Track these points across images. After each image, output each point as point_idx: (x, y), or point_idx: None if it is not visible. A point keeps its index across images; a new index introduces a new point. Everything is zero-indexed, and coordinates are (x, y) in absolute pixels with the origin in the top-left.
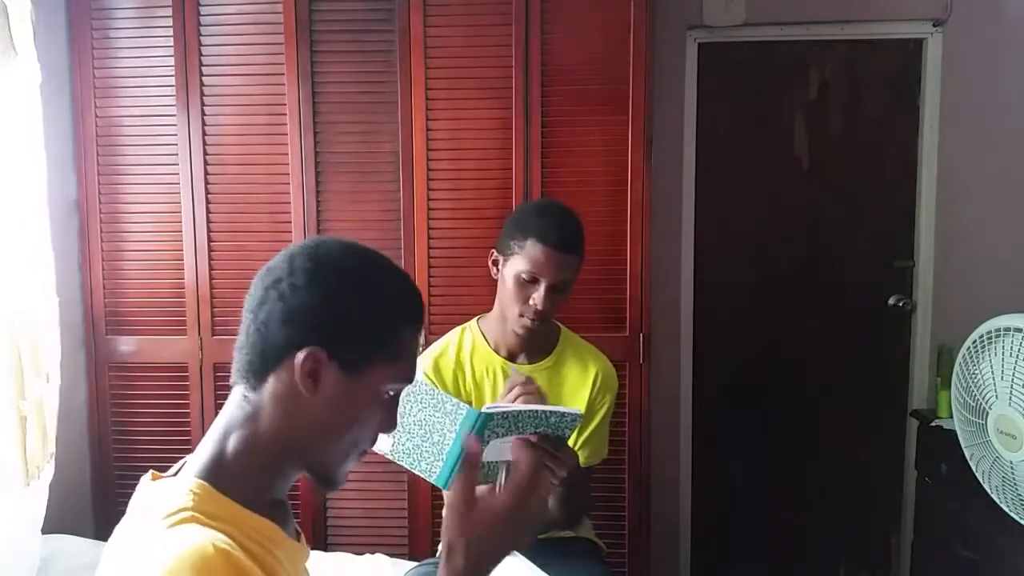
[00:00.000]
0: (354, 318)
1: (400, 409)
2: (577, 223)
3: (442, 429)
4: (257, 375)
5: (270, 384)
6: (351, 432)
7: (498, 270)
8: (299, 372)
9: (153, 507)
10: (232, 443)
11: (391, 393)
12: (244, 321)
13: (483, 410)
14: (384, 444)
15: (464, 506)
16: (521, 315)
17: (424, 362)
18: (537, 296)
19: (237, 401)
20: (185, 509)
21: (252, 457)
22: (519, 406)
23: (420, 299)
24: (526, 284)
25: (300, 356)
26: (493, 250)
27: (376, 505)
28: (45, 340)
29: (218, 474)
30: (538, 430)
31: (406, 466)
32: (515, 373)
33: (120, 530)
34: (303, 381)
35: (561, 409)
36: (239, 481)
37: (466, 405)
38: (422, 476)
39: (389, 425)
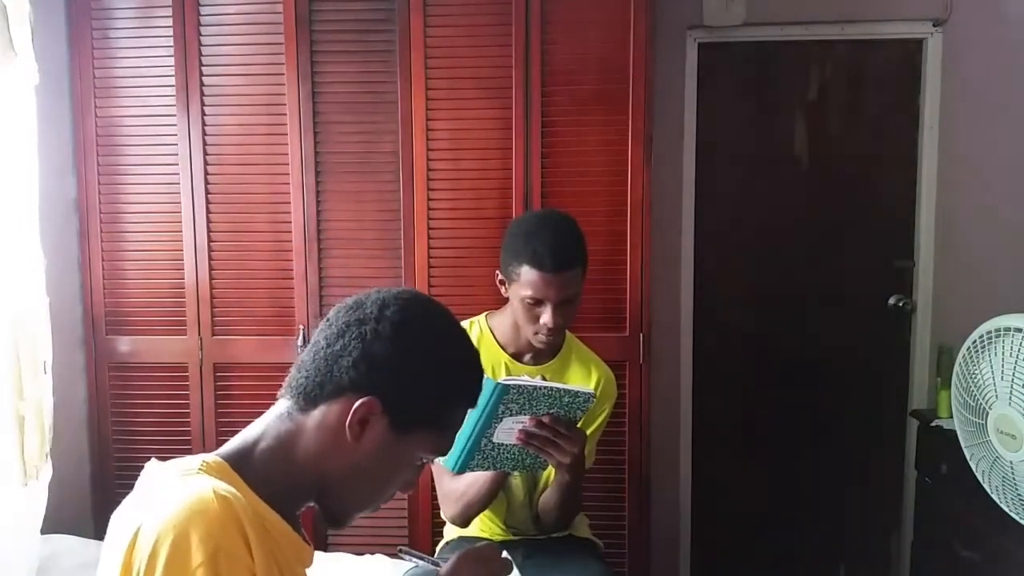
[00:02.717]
0: (421, 383)
1: None
2: (572, 235)
3: None
4: (309, 399)
5: (319, 412)
6: (377, 486)
7: (506, 290)
8: (352, 416)
9: (167, 470)
10: (263, 445)
11: (423, 460)
12: (314, 343)
13: (501, 381)
14: None
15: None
16: (536, 333)
17: None
18: (546, 316)
19: (280, 414)
20: (193, 469)
21: (278, 465)
22: (536, 382)
23: (481, 383)
24: (532, 306)
25: (359, 401)
26: (498, 271)
27: None
28: (43, 340)
29: (239, 459)
30: (551, 410)
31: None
32: None
33: (127, 501)
34: (352, 426)
35: (575, 388)
36: (258, 473)
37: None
38: None
39: (410, 486)
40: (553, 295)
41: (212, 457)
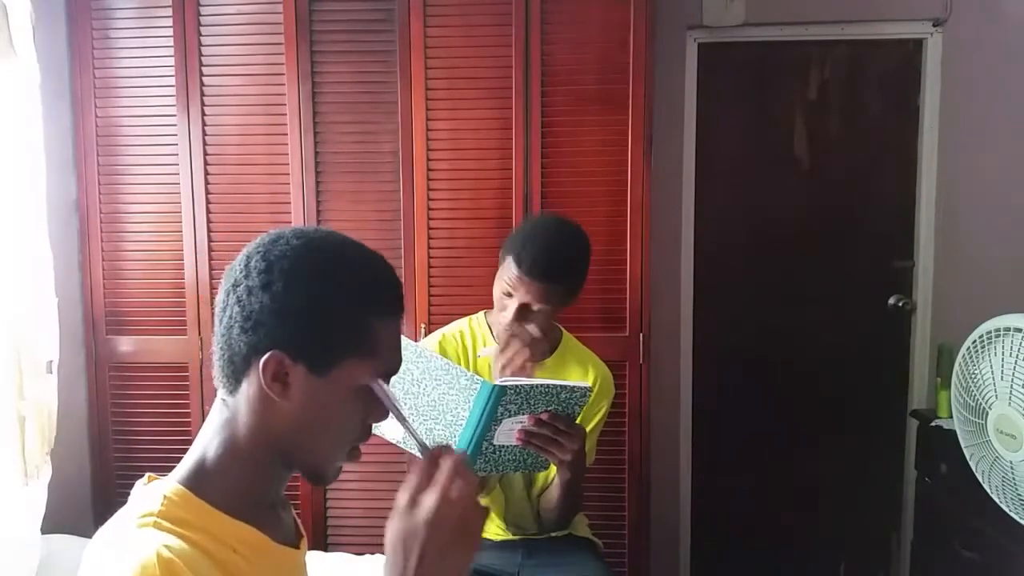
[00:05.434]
0: (313, 319)
1: (413, 389)
2: (564, 253)
3: (455, 408)
4: (230, 380)
5: (244, 388)
6: (331, 431)
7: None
8: (264, 377)
9: (131, 509)
10: (213, 448)
11: (373, 387)
12: (214, 324)
13: (498, 383)
14: (395, 432)
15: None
16: (501, 320)
17: (431, 343)
18: (510, 309)
19: (218, 405)
20: (151, 514)
21: (233, 462)
22: (532, 380)
23: (393, 288)
24: (504, 296)
25: (262, 361)
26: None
27: (376, 505)
28: (45, 340)
29: (198, 479)
30: (549, 408)
31: (416, 453)
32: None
33: (102, 529)
34: (270, 386)
35: (571, 384)
36: (220, 486)
37: (480, 379)
38: None
39: (378, 415)
40: (520, 296)
41: (173, 487)
